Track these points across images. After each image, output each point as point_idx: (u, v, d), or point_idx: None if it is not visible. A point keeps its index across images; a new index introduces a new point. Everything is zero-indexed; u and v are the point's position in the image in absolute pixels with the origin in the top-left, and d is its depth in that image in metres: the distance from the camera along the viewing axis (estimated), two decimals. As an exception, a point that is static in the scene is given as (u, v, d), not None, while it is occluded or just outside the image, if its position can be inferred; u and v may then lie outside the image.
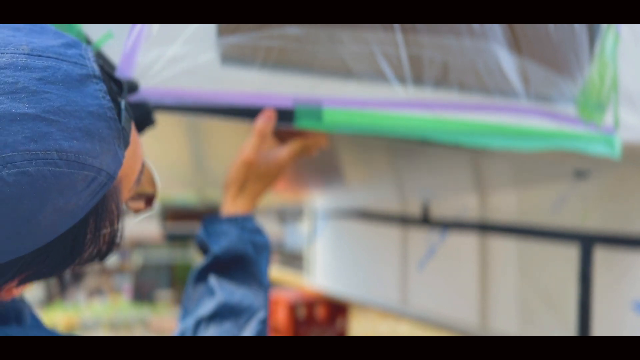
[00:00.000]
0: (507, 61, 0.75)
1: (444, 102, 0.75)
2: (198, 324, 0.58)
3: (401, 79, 0.70)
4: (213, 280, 0.62)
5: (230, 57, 0.62)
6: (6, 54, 0.34)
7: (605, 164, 1.22)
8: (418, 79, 0.72)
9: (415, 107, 0.72)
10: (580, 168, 1.16)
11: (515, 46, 0.76)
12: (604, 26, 0.84)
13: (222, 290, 0.60)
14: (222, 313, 0.58)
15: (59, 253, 0.39)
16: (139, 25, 0.57)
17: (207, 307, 0.59)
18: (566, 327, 1.33)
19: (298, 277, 2.54)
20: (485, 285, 1.61)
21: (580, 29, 0.81)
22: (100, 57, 0.44)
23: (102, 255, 0.45)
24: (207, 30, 0.60)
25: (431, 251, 1.74)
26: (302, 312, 2.29)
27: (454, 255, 1.66)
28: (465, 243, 1.62)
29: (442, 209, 1.64)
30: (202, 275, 0.64)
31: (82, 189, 0.37)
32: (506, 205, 1.51)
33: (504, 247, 1.55)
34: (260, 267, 0.62)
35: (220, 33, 0.61)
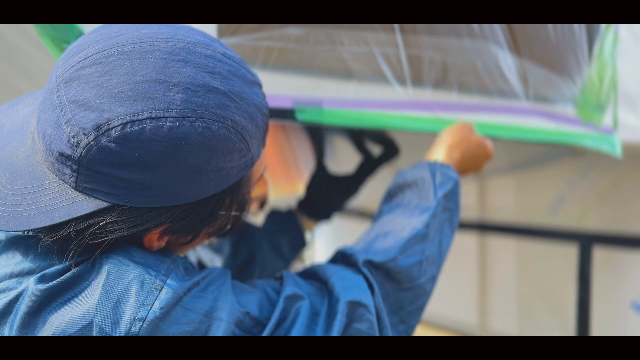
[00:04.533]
0: (506, 62, 0.76)
1: (444, 103, 0.75)
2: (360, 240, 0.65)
3: (401, 80, 0.71)
4: (390, 201, 0.69)
5: (230, 58, 0.62)
6: (210, 49, 0.46)
7: (604, 163, 1.22)
8: (418, 80, 0.72)
9: (415, 108, 0.72)
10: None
11: (515, 47, 0.76)
12: (603, 26, 0.84)
13: (394, 207, 0.67)
14: (387, 225, 0.64)
15: (199, 214, 0.49)
16: (139, 26, 0.57)
17: (374, 223, 0.67)
18: (565, 326, 1.33)
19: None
20: (485, 285, 1.62)
21: (580, 30, 0.81)
22: None
23: (224, 232, 0.56)
24: (207, 31, 0.60)
25: (431, 251, 1.73)
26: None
27: (454, 255, 1.66)
28: (465, 243, 1.63)
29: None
30: (386, 197, 0.71)
31: (236, 159, 0.47)
32: (505, 205, 1.52)
33: (503, 247, 1.55)
34: (436, 189, 0.66)
35: (220, 33, 0.61)
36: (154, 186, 0.44)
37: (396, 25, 0.68)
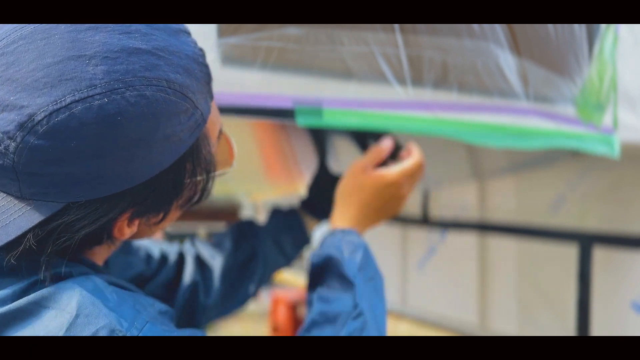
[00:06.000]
0: (506, 62, 0.76)
1: (444, 103, 0.75)
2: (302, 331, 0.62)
3: (401, 80, 0.71)
4: (313, 291, 0.64)
5: (230, 58, 0.62)
6: None
7: (604, 163, 1.22)
8: (418, 80, 0.72)
9: (415, 108, 0.72)
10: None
11: (515, 47, 0.76)
12: (603, 26, 0.84)
13: (318, 301, 0.61)
14: (320, 322, 0.60)
15: (162, 189, 0.45)
16: (139, 26, 0.57)
17: (307, 317, 0.63)
18: (565, 326, 1.33)
19: (298, 276, 2.55)
20: (485, 285, 1.62)
21: (580, 30, 0.81)
22: None
23: (196, 200, 0.52)
24: (207, 31, 0.60)
25: (431, 251, 1.74)
26: (302, 312, 2.29)
27: (454, 255, 1.66)
28: (465, 243, 1.63)
29: (441, 209, 1.64)
30: (308, 284, 0.66)
31: (184, 121, 0.43)
32: (506, 205, 1.52)
33: (503, 247, 1.55)
34: (349, 266, 0.61)
35: (220, 34, 0.61)
36: (102, 173, 0.39)
37: (396, 25, 0.68)
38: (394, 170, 0.71)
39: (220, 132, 0.54)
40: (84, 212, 0.41)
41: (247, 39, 0.62)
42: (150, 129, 0.40)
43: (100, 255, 0.51)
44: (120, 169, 0.40)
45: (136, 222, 0.47)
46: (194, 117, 0.44)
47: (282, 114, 0.66)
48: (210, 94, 0.48)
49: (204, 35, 0.60)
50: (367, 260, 0.64)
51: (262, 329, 3.52)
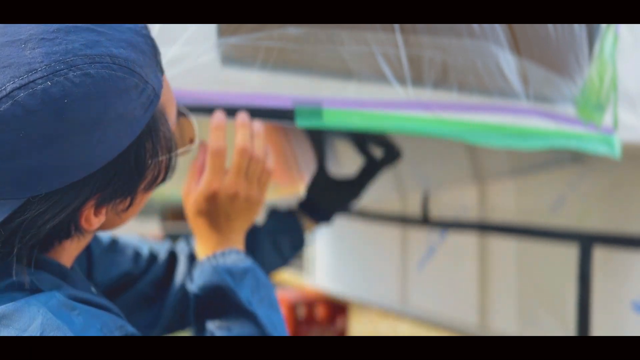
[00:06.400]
0: (506, 62, 0.76)
1: (444, 103, 0.75)
2: None
3: (401, 80, 0.71)
4: (205, 321, 0.60)
5: (230, 58, 0.62)
6: None
7: (604, 163, 1.22)
8: (418, 80, 0.72)
9: (415, 108, 0.72)
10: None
11: (515, 47, 0.76)
12: (603, 26, 0.84)
13: (219, 330, 0.58)
14: None
15: (124, 171, 0.43)
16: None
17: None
18: (565, 327, 1.33)
19: (298, 276, 2.54)
20: (485, 285, 1.62)
21: (580, 30, 0.81)
22: None
23: (161, 180, 0.50)
24: (207, 31, 0.60)
25: (431, 251, 1.74)
26: (302, 312, 2.29)
27: (454, 255, 1.66)
28: (465, 243, 1.62)
29: (441, 209, 1.64)
30: (197, 315, 0.62)
31: (135, 98, 0.41)
32: (506, 205, 1.52)
33: (503, 247, 1.55)
34: (243, 294, 0.58)
35: (220, 34, 0.61)
36: (59, 162, 0.38)
37: (396, 25, 0.68)
38: (201, 183, 0.64)
39: (179, 112, 0.53)
40: (47, 205, 0.39)
41: (247, 39, 0.62)
42: (100, 108, 0.38)
43: (69, 252, 0.50)
44: (77, 155, 0.39)
45: (103, 210, 0.45)
46: (146, 93, 0.42)
47: (282, 114, 0.65)
48: (159, 68, 0.46)
49: (204, 35, 0.60)
50: (258, 280, 0.61)
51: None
